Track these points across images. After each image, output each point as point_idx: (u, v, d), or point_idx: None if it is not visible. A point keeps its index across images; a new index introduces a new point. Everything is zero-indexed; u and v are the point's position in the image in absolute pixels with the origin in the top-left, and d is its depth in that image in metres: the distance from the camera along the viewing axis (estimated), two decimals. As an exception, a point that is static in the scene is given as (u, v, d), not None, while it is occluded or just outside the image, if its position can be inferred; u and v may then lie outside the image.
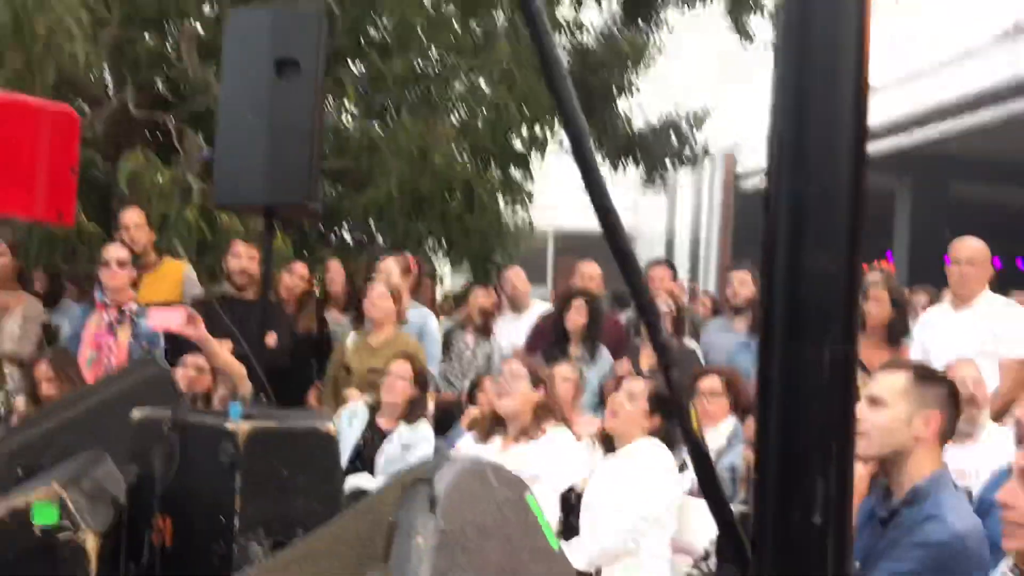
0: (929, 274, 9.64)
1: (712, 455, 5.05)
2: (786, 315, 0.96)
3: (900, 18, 13.48)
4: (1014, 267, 13.15)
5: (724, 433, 5.20)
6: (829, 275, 0.93)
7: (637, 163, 10.41)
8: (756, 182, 15.86)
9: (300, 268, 7.32)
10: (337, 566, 1.08)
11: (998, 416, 5.41)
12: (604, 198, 1.03)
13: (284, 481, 2.75)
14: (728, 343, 6.99)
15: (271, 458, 2.74)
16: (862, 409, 3.39)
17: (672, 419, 5.00)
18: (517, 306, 8.33)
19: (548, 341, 7.20)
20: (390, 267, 7.25)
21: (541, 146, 9.30)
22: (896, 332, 6.51)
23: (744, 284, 7.24)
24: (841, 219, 0.94)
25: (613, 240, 1.02)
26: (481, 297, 7.87)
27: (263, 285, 5.37)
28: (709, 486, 1.02)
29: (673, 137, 10.64)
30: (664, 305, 6.71)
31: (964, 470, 4.88)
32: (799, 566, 0.93)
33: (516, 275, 8.48)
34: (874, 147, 9.49)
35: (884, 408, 3.33)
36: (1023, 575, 2.72)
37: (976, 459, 4.79)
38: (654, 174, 10.65)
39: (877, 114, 8.77)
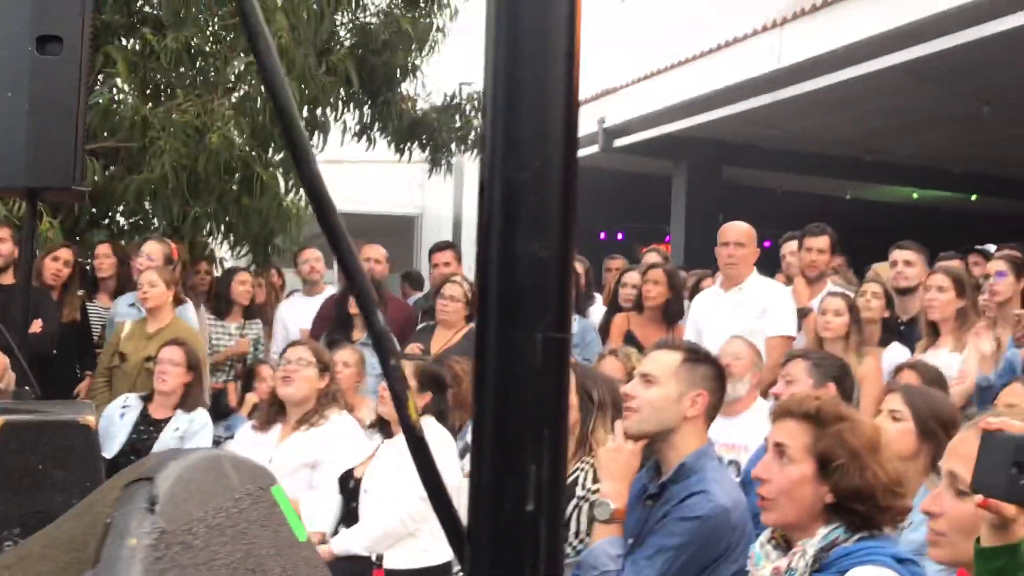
0: (704, 257, 9.98)
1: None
2: (499, 301, 0.95)
3: (670, 6, 13.89)
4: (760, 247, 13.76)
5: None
6: (542, 261, 0.93)
7: (423, 147, 10.38)
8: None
9: (65, 253, 7.00)
10: (48, 570, 1.02)
11: (766, 392, 5.65)
12: (310, 165, 0.99)
13: (40, 476, 2.63)
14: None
15: (26, 452, 2.61)
16: (635, 386, 3.51)
17: (443, 395, 5.03)
18: (311, 289, 8.23)
19: (331, 325, 7.12)
20: (152, 251, 7.03)
21: (324, 127, 9.17)
22: (672, 313, 6.74)
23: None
24: (553, 205, 0.94)
25: (321, 214, 0.99)
26: (241, 283, 7.75)
27: (24, 270, 5.10)
28: (427, 473, 1.01)
29: (458, 120, 10.64)
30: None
31: (734, 443, 5.10)
32: (512, 553, 0.93)
33: (315, 256, 8.36)
34: (651, 133, 9.73)
35: (656, 386, 3.45)
36: (779, 546, 2.85)
37: (745, 433, 5.02)
38: (439, 157, 10.64)
39: (654, 100, 9.02)
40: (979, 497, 1.90)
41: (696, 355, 3.53)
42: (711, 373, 3.51)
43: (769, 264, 7.70)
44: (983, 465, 1.92)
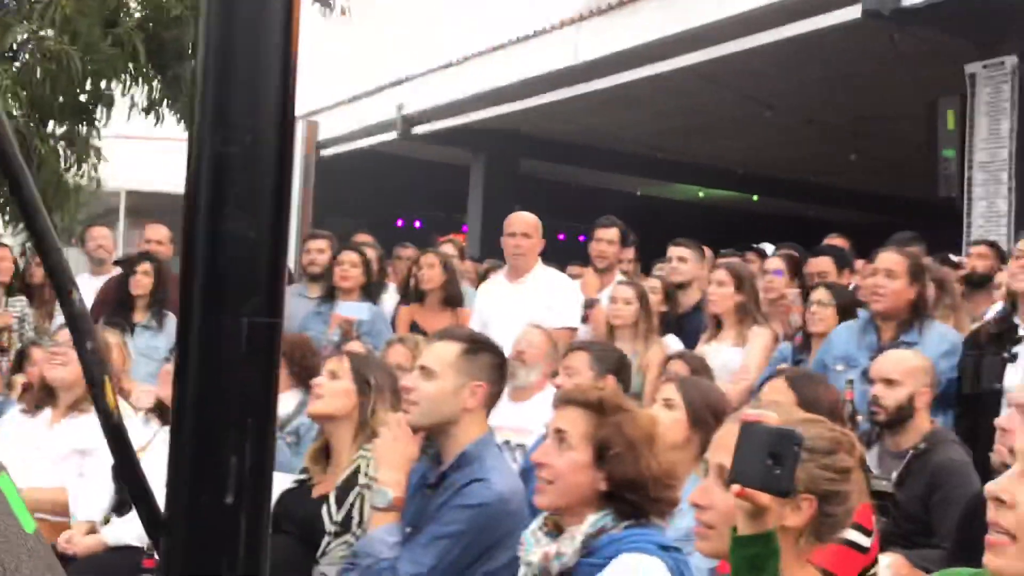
0: (500, 247, 10.05)
1: (280, 422, 5.04)
2: (204, 283, 0.90)
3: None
4: (576, 242, 14.01)
5: (292, 402, 5.18)
6: (251, 241, 0.89)
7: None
8: (338, 150, 15.90)
9: None
10: None
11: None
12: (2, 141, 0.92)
13: None
14: (302, 310, 6.97)
15: None
16: (414, 379, 3.50)
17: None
18: (98, 268, 7.90)
19: (111, 307, 6.86)
20: None
21: (109, 101, 8.80)
22: (451, 298, 6.76)
23: (322, 252, 7.28)
24: (266, 182, 0.90)
25: (16, 192, 0.92)
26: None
27: None
28: (123, 461, 0.96)
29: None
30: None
31: (523, 428, 5.16)
32: (209, 547, 0.89)
33: (102, 235, 8.02)
34: (450, 122, 9.71)
35: (434, 379, 3.45)
36: (550, 533, 2.89)
37: (533, 418, 5.08)
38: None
39: (453, 89, 8.98)
40: (736, 487, 1.96)
41: (476, 345, 3.54)
42: (491, 363, 3.52)
43: (567, 257, 7.85)
44: (741, 456, 1.97)
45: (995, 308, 5.66)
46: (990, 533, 1.65)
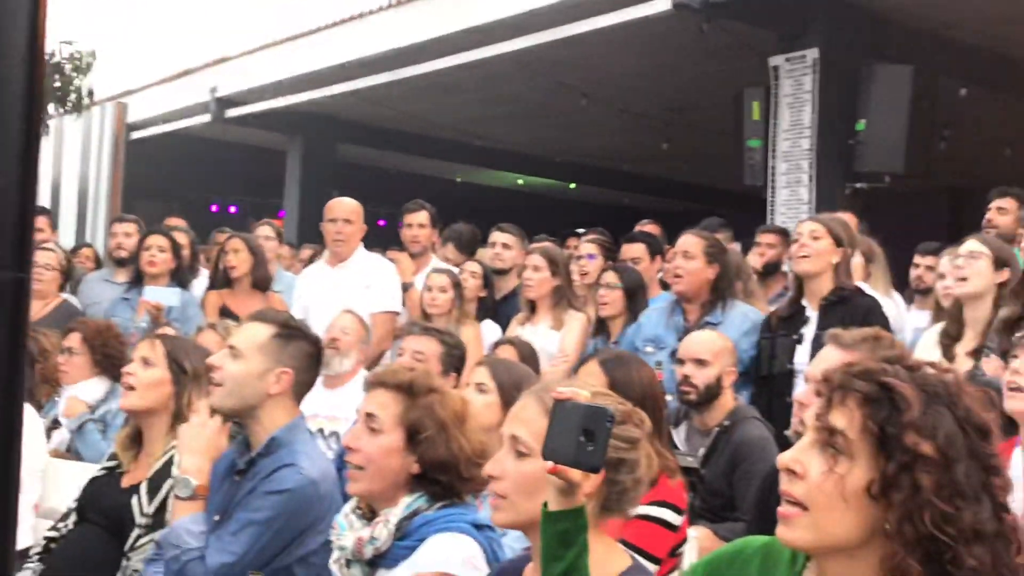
0: (318, 232, 9.93)
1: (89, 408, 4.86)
2: None
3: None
4: (395, 228, 13.96)
5: (100, 389, 5.02)
6: None
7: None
8: (149, 132, 15.41)
9: None
10: None
11: (371, 365, 5.72)
12: None
13: None
14: (108, 295, 6.76)
15: None
16: (221, 358, 3.41)
17: (30, 369, 4.71)
18: None
19: None
20: None
21: None
22: (259, 282, 6.65)
23: (129, 236, 7.06)
24: (10, 136, 0.81)
25: None
26: None
27: None
28: None
29: (57, 80, 9.97)
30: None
31: (336, 415, 5.11)
32: None
33: None
34: (266, 105, 9.50)
35: (241, 360, 3.36)
36: (363, 516, 2.88)
37: (347, 405, 5.04)
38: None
39: (269, 72, 8.78)
40: (549, 464, 1.98)
41: (289, 331, 3.46)
42: (303, 351, 3.45)
43: (387, 243, 7.80)
44: (553, 432, 1.99)
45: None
46: (782, 505, 1.70)
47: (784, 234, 7.39)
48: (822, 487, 1.66)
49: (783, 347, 5.09)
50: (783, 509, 1.69)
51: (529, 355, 5.02)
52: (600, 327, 5.82)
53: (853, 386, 1.68)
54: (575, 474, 1.97)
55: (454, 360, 4.69)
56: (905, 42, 9.43)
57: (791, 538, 1.69)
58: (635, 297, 5.74)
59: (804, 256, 5.12)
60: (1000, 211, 6.55)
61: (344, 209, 6.50)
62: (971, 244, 4.63)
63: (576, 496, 2.00)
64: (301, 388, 3.47)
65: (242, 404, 3.36)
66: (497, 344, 5.18)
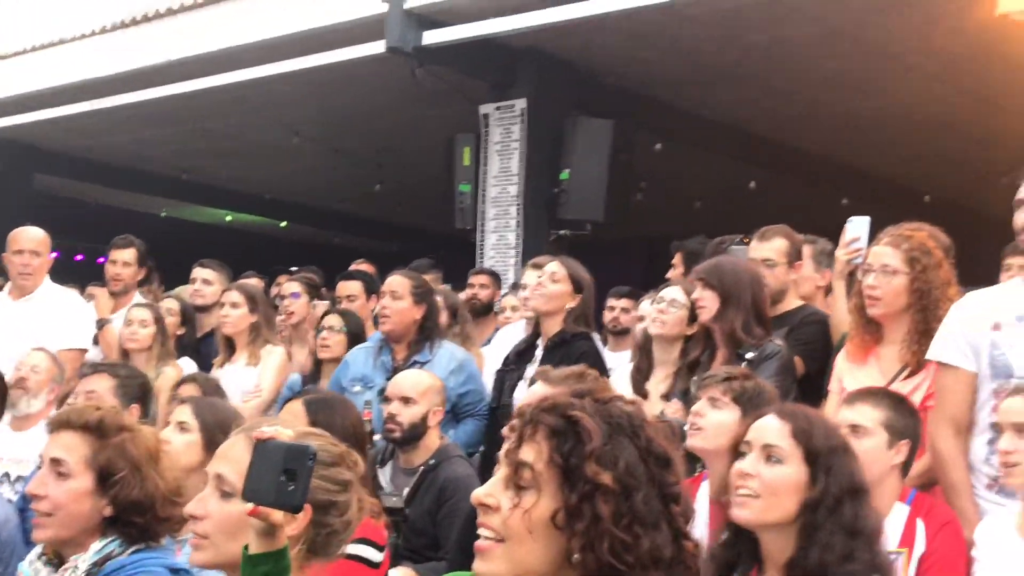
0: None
1: None
2: None
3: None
4: (95, 263, 13.34)
5: None
6: None
7: None
8: None
9: None
10: None
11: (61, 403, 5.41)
12: None
13: None
14: None
15: None
16: None
17: None
18: None
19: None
20: None
21: None
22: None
23: None
24: None
25: None
26: None
27: None
28: None
29: None
30: None
31: (23, 458, 4.80)
32: None
33: None
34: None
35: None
36: (51, 562, 2.73)
37: (36, 447, 4.75)
38: None
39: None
40: (249, 505, 1.94)
41: None
42: None
43: (85, 279, 7.45)
44: (254, 473, 1.96)
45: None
46: (480, 539, 1.73)
47: (495, 276, 7.59)
48: (512, 520, 1.70)
49: (511, 382, 5.23)
50: (479, 543, 1.72)
51: (213, 391, 4.89)
52: (316, 371, 5.76)
53: (541, 420, 1.73)
54: (276, 515, 1.95)
55: (132, 391, 4.50)
56: (607, 97, 9.91)
57: (486, 570, 1.72)
58: (358, 341, 5.73)
59: (538, 294, 5.28)
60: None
61: (31, 240, 6.16)
62: (674, 292, 4.90)
63: (278, 538, 1.97)
64: None
65: None
66: (181, 382, 5.00)
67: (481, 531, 1.73)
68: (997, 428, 3.47)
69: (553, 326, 5.25)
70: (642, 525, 1.69)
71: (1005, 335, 3.71)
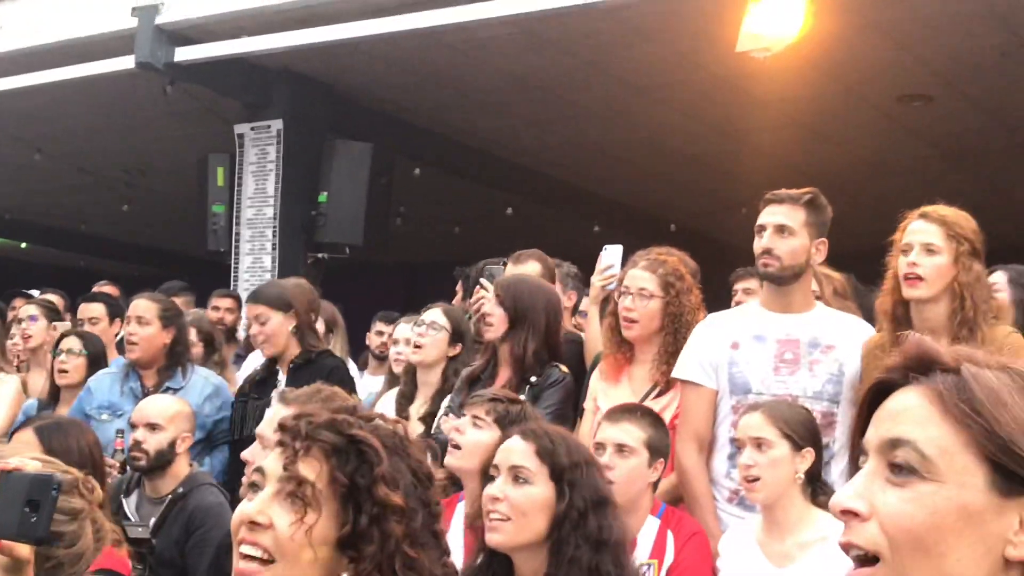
0: None
1: None
2: None
3: None
4: None
5: None
6: None
7: None
8: None
9: None
10: None
11: None
12: None
13: None
14: None
15: None
16: None
17: None
18: None
19: None
20: None
21: None
22: None
23: None
24: None
25: None
26: None
27: None
28: None
29: None
30: None
31: None
32: None
33: None
34: None
35: None
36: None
37: None
38: None
39: None
40: None
41: None
42: None
43: None
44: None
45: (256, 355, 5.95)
46: (241, 561, 1.66)
47: (239, 299, 7.44)
48: (291, 538, 1.64)
49: (253, 410, 5.09)
50: (244, 567, 1.65)
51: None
52: (54, 396, 5.48)
53: (319, 436, 1.69)
54: (21, 549, 1.89)
55: None
56: (365, 121, 9.90)
57: None
58: (98, 364, 5.48)
59: (259, 340, 5.18)
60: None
61: None
62: (435, 314, 4.92)
63: (26, 573, 1.88)
64: None
65: None
66: None
67: (246, 550, 1.65)
68: (736, 443, 3.64)
69: (290, 351, 5.17)
70: (421, 545, 1.69)
71: (742, 353, 3.92)
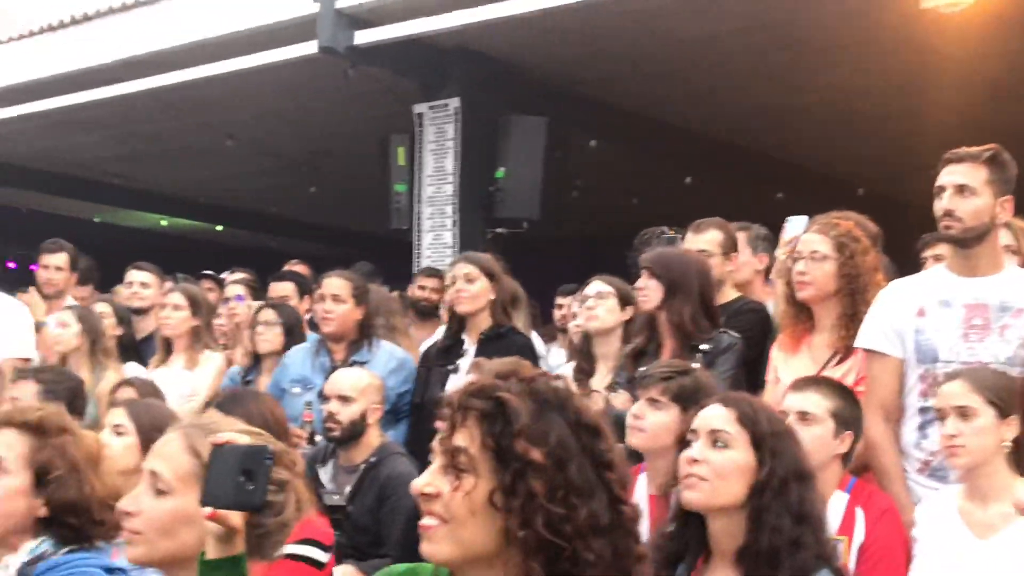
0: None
1: None
2: None
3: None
4: (27, 270, 13.14)
5: None
6: None
7: None
8: None
9: None
10: None
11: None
12: None
13: None
14: None
15: None
16: None
17: None
18: None
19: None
20: None
21: None
22: None
23: None
24: None
25: None
26: None
27: None
28: None
29: None
30: None
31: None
32: None
33: None
34: None
35: None
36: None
37: None
38: None
39: None
40: (208, 510, 1.95)
41: None
42: None
43: (18, 286, 7.34)
44: (213, 477, 1.97)
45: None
46: (423, 521, 1.75)
47: (443, 278, 7.61)
48: (454, 503, 1.73)
49: (437, 377, 5.23)
50: (424, 522, 1.75)
51: (152, 394, 4.86)
52: (253, 364, 5.75)
53: (470, 405, 1.76)
54: (234, 518, 1.97)
55: (59, 394, 4.46)
56: (540, 95, 9.94)
57: (433, 551, 1.75)
58: (293, 335, 5.72)
59: (464, 298, 5.30)
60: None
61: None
62: (597, 285, 4.94)
63: (235, 544, 1.98)
64: None
65: None
66: (117, 386, 4.97)
67: (425, 520, 1.75)
68: (937, 413, 3.53)
69: (481, 321, 5.28)
70: (578, 495, 1.72)
71: (929, 320, 3.80)
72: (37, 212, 16.65)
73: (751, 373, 4.54)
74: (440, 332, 6.31)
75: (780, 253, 4.74)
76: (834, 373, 3.99)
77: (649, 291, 4.42)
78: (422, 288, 7.57)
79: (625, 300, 4.88)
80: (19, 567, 2.60)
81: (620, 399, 4.40)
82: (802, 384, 3.66)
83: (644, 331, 4.56)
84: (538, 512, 1.70)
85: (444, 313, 6.21)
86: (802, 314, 4.21)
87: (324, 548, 3.50)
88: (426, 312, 7.34)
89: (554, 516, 1.70)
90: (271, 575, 2.86)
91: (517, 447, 1.71)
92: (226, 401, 3.71)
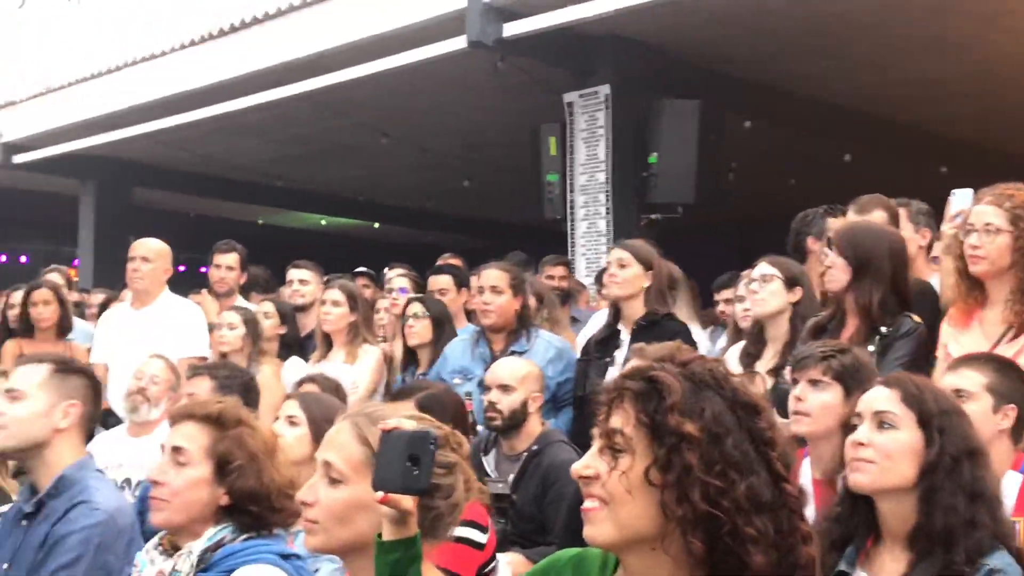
0: (113, 276, 9.70)
1: None
2: None
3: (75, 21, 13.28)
4: (196, 273, 13.65)
5: None
6: None
7: None
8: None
9: None
10: None
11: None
12: None
13: None
14: None
15: None
16: (0, 402, 3.36)
17: None
18: None
19: None
20: None
21: None
22: (63, 327, 6.53)
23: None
24: None
25: None
26: None
27: None
28: None
29: None
30: None
31: (142, 463, 4.94)
32: None
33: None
34: (55, 150, 9.19)
35: (23, 400, 3.32)
36: (166, 552, 2.82)
37: (156, 451, 4.89)
38: None
39: (57, 116, 8.52)
40: (380, 494, 1.99)
41: (65, 366, 3.49)
42: (83, 383, 3.47)
43: (188, 289, 7.63)
44: (382, 463, 2.03)
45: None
46: (585, 502, 1.75)
47: (568, 265, 7.62)
48: (611, 483, 1.73)
49: (597, 369, 5.23)
50: (586, 506, 1.75)
51: (333, 391, 5.00)
52: (410, 358, 5.86)
53: (626, 386, 1.76)
54: (406, 502, 2.00)
55: (233, 389, 4.60)
56: (691, 78, 9.83)
57: (594, 533, 1.75)
58: (442, 326, 5.80)
59: (614, 283, 5.29)
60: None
61: (142, 248, 6.44)
62: (763, 267, 4.83)
63: (409, 526, 2.02)
64: (86, 422, 3.44)
65: (29, 443, 3.31)
66: (300, 382, 5.13)
67: (586, 503, 1.76)
68: None
69: (636, 309, 5.25)
70: (736, 470, 1.70)
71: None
72: (203, 216, 17.29)
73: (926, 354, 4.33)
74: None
75: (946, 227, 4.55)
76: (1007, 350, 3.81)
77: (835, 270, 4.17)
78: (550, 277, 7.58)
79: (792, 281, 4.72)
80: (200, 553, 2.71)
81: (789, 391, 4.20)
82: (956, 363, 3.51)
83: (832, 305, 4.30)
84: (695, 485, 1.68)
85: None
86: (974, 289, 4.04)
87: (482, 529, 3.55)
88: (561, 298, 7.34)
89: (711, 488, 1.67)
90: (438, 557, 2.93)
91: (670, 421, 1.70)
92: (399, 392, 3.79)
